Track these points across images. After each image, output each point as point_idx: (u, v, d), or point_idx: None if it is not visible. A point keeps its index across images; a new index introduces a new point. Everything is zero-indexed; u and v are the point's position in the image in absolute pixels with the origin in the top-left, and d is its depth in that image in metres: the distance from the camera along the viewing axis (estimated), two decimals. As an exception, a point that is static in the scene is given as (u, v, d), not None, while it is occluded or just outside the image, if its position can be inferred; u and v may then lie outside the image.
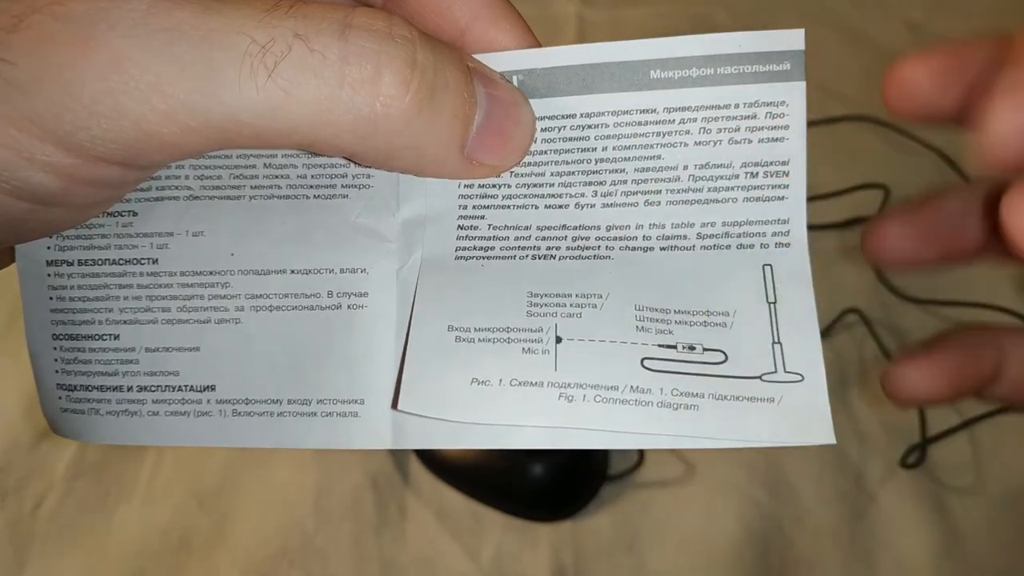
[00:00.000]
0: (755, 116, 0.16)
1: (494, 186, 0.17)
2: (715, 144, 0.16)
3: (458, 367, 0.16)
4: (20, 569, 0.34)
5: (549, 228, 0.17)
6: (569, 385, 0.15)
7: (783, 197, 0.16)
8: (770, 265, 0.16)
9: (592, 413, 0.15)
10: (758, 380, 0.15)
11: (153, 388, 0.17)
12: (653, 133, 0.16)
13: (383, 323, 0.16)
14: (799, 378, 0.15)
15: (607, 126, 0.16)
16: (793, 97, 0.16)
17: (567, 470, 0.34)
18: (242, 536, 0.35)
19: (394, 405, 0.16)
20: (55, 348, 0.17)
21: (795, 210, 0.16)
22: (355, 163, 0.17)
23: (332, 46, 0.13)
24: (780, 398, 0.15)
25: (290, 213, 0.17)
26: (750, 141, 0.16)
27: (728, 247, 0.16)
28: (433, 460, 0.36)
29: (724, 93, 0.16)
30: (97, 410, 0.17)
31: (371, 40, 0.13)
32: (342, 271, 0.16)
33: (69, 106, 0.13)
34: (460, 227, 0.17)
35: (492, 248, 0.17)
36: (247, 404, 0.17)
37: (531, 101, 0.16)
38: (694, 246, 0.16)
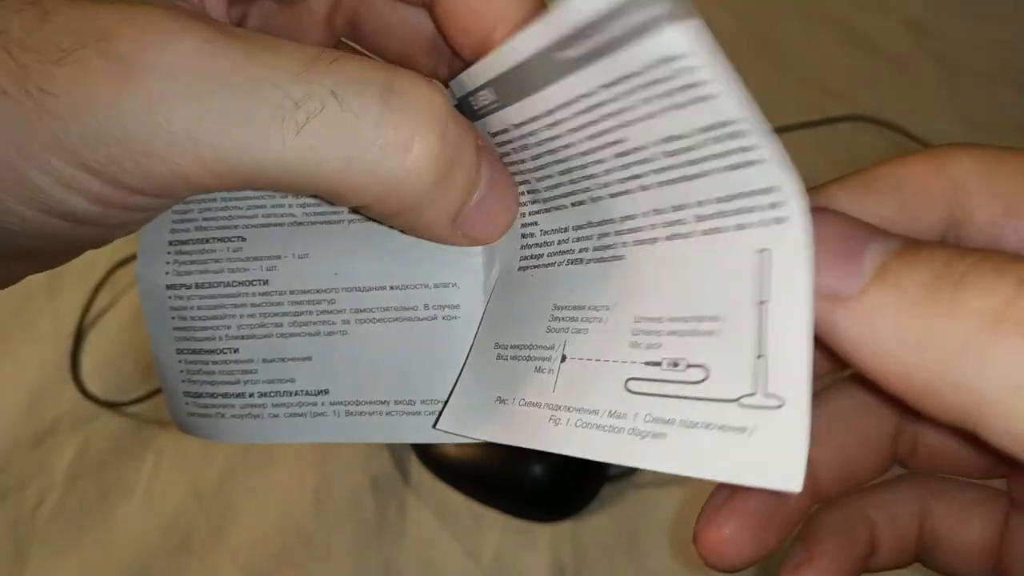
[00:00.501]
0: (664, 79, 0.13)
1: (533, 190, 0.17)
2: (656, 116, 0.13)
3: (490, 386, 0.17)
4: (20, 569, 0.34)
5: (580, 227, 0.16)
6: (559, 408, 0.15)
7: (755, 161, 0.13)
8: (768, 250, 0.13)
9: (570, 438, 0.15)
10: (735, 404, 0.13)
11: (272, 394, 0.18)
12: (603, 117, 0.14)
13: (473, 332, 0.18)
14: (778, 404, 0.12)
15: (567, 119, 0.15)
16: (684, 45, 0.12)
17: (567, 470, 0.35)
18: (242, 536, 0.35)
19: (434, 425, 0.18)
20: (180, 361, 0.19)
21: (779, 174, 0.13)
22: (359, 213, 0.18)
23: (371, 108, 0.14)
24: (753, 428, 0.13)
25: (384, 235, 0.18)
26: (682, 106, 0.13)
27: (726, 228, 0.14)
28: (433, 460, 0.36)
29: (621, 61, 0.13)
30: (222, 414, 0.19)
31: (409, 109, 0.14)
32: (435, 286, 0.18)
33: (104, 141, 0.13)
34: (522, 235, 0.18)
35: (541, 256, 0.17)
36: (358, 405, 0.18)
37: (509, 109, 0.15)
38: (693, 232, 0.14)
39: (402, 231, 0.17)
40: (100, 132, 0.13)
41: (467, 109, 0.16)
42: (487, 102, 0.16)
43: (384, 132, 0.14)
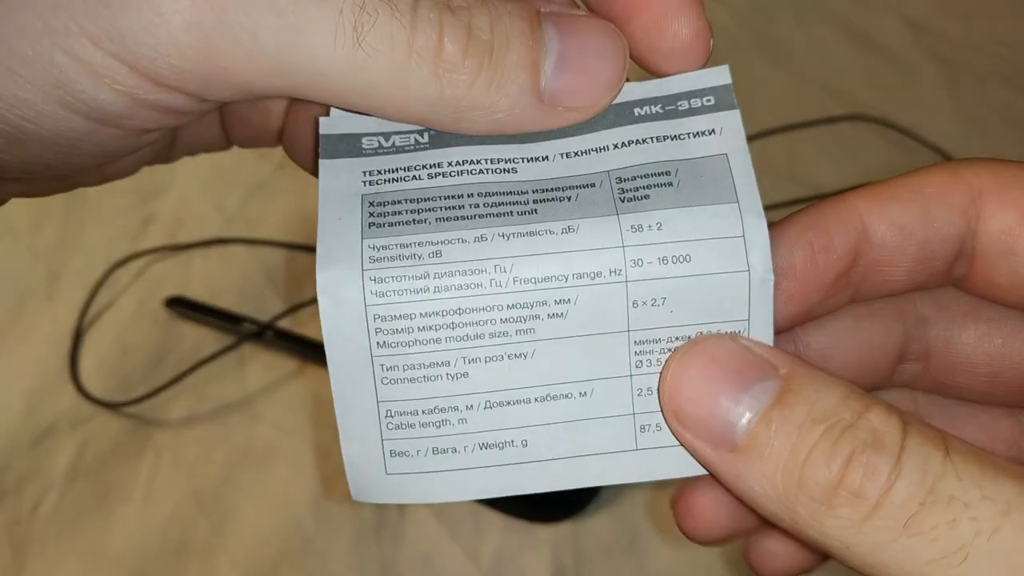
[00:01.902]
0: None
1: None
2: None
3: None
4: (19, 570, 0.34)
5: None
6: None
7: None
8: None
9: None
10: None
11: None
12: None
13: None
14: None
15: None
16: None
17: (567, 470, 0.35)
18: (241, 537, 0.35)
19: None
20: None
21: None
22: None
23: (407, 14, 0.14)
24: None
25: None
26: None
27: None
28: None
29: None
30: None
31: (433, 10, 0.14)
32: None
33: (153, 32, 0.13)
34: None
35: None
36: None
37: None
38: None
39: (501, 134, 0.16)
40: (151, 22, 0.13)
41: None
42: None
43: (417, 37, 0.14)
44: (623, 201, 0.15)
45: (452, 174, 0.15)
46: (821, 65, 0.54)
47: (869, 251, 0.16)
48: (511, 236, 0.15)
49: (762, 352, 0.14)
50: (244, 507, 0.36)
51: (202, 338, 0.41)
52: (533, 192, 0.15)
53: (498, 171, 0.16)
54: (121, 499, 0.36)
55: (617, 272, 0.15)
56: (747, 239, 0.15)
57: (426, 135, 0.16)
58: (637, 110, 0.16)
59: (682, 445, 0.15)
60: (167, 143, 0.19)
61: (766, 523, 0.15)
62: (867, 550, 0.12)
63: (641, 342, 0.15)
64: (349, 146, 0.16)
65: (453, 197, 0.15)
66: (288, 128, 0.19)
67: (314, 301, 0.41)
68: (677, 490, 0.17)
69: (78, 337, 0.42)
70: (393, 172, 0.16)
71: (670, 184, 0.15)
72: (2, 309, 0.43)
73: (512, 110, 0.15)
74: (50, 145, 0.14)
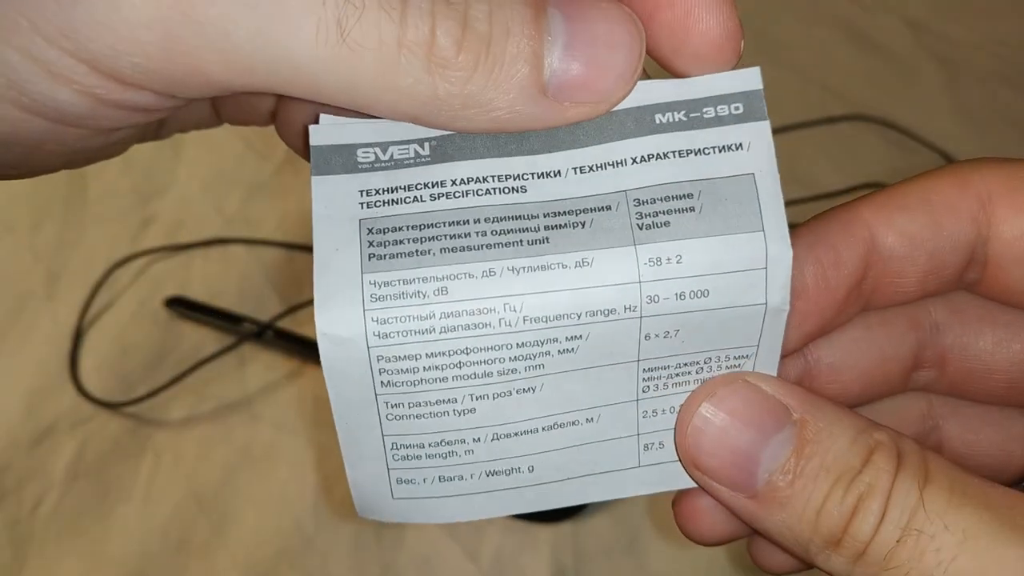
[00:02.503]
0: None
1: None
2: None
3: None
4: (19, 569, 0.34)
5: None
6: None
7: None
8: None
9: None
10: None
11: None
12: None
13: None
14: None
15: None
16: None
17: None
18: (241, 537, 0.35)
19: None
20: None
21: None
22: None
23: (396, 5, 0.12)
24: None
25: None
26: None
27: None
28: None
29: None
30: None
31: (426, 0, 0.13)
32: None
33: (114, 28, 0.12)
34: None
35: None
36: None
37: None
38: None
39: (505, 132, 0.14)
40: (110, 17, 0.12)
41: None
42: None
43: (407, 30, 0.12)
44: (641, 228, 0.14)
45: (457, 195, 0.14)
46: (821, 65, 0.54)
47: (878, 263, 0.15)
48: (521, 271, 0.14)
49: (775, 392, 0.15)
50: (244, 507, 0.36)
51: (202, 338, 0.41)
52: (544, 216, 0.14)
53: (507, 191, 0.14)
54: (121, 499, 0.36)
55: (632, 308, 0.14)
56: (769, 272, 0.14)
57: (427, 147, 0.14)
58: (659, 116, 0.14)
59: (700, 487, 0.16)
60: (156, 122, 0.17)
61: None
62: None
63: (650, 370, 0.15)
64: (344, 160, 0.14)
65: (458, 223, 0.14)
66: (281, 111, 0.17)
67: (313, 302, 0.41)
68: (678, 493, 0.17)
69: (78, 337, 0.42)
70: (393, 192, 0.14)
71: (692, 209, 0.14)
72: (2, 309, 0.43)
73: (513, 107, 0.13)
74: (10, 146, 0.13)
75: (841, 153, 0.48)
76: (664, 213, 0.14)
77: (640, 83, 0.14)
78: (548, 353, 0.14)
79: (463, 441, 0.15)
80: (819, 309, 0.15)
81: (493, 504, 0.16)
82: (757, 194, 0.14)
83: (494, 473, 0.15)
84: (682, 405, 0.15)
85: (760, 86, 0.14)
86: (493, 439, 0.15)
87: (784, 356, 0.15)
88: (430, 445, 0.15)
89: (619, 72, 0.14)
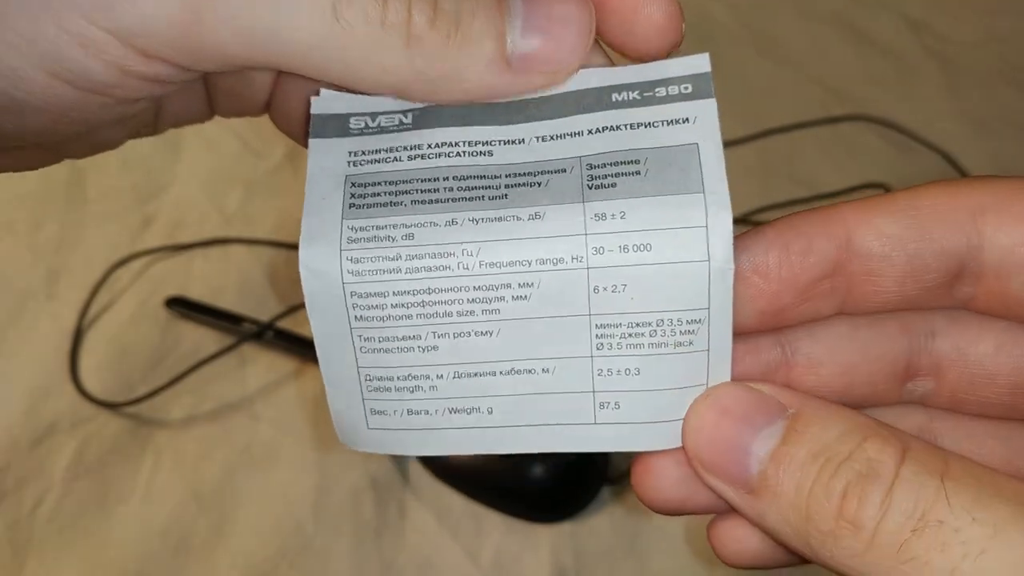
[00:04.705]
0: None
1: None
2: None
3: None
4: (18, 569, 0.34)
5: None
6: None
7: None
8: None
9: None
10: None
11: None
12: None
13: None
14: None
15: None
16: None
17: (567, 472, 0.34)
18: (241, 537, 0.35)
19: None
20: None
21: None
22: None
23: None
24: None
25: None
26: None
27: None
28: (433, 461, 0.36)
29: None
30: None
31: None
32: None
33: (143, 6, 0.14)
34: None
35: None
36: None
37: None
38: None
39: (473, 101, 0.16)
40: (148, 3, 0.14)
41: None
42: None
43: (388, 12, 0.15)
44: (590, 188, 0.15)
45: (431, 156, 0.16)
46: (822, 65, 0.54)
47: (853, 260, 0.16)
48: (480, 221, 0.15)
49: (773, 393, 0.15)
50: (244, 507, 0.36)
51: (202, 338, 0.41)
52: (506, 176, 0.16)
53: (475, 154, 0.16)
54: (121, 499, 0.36)
55: (579, 259, 0.15)
56: (709, 229, 0.15)
57: (410, 115, 0.17)
58: (615, 95, 0.16)
59: (710, 489, 0.16)
60: (152, 114, 0.19)
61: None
62: None
63: (602, 326, 0.16)
64: (338, 126, 0.17)
65: (429, 180, 0.16)
66: (276, 99, 0.19)
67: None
68: (711, 521, 0.18)
69: (78, 337, 0.42)
70: (376, 153, 0.16)
71: (638, 173, 0.15)
72: (2, 309, 0.43)
73: (481, 79, 0.16)
74: (40, 113, 0.15)
75: (841, 153, 0.48)
76: (612, 176, 0.15)
77: (602, 69, 0.16)
78: (503, 298, 0.16)
79: (427, 377, 0.16)
80: (777, 290, 0.16)
81: (455, 441, 0.17)
82: (700, 161, 0.15)
83: (456, 411, 0.17)
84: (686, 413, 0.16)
85: (708, 69, 0.16)
86: (455, 377, 0.16)
87: (740, 333, 0.16)
88: (399, 379, 0.16)
89: (571, 43, 0.16)
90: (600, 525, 0.35)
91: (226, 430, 0.38)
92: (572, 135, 0.16)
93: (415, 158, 0.16)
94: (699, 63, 0.16)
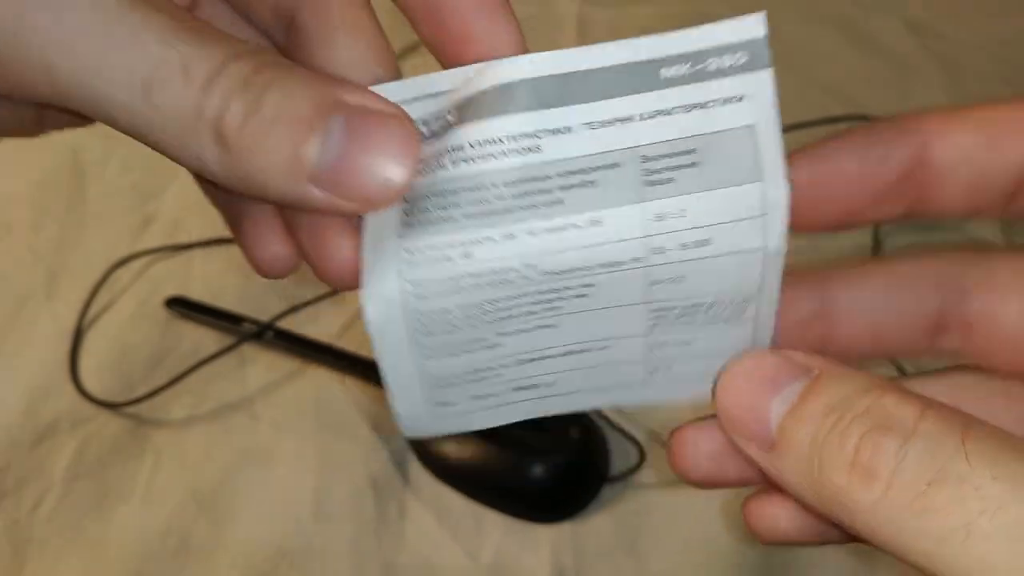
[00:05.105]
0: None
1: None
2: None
3: None
4: (19, 569, 0.34)
5: None
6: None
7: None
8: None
9: None
10: None
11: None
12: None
13: None
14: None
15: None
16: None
17: (567, 471, 0.35)
18: (241, 536, 0.35)
19: None
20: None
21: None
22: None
23: (198, 76, 0.14)
24: None
25: None
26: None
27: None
28: (433, 461, 0.36)
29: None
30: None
31: (231, 79, 0.14)
32: None
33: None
34: None
35: None
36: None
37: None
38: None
39: (252, 197, 0.15)
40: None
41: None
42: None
43: (204, 105, 0.14)
44: (647, 185, 0.15)
45: (475, 159, 0.15)
46: (822, 66, 0.54)
47: (926, 168, 0.16)
48: (539, 233, 0.15)
49: (800, 359, 0.15)
50: (244, 507, 0.36)
51: (202, 338, 0.41)
52: (558, 176, 0.15)
53: (522, 151, 0.15)
54: (121, 499, 0.36)
55: (639, 260, 0.15)
56: (766, 218, 0.15)
57: (455, 112, 0.16)
58: (664, 71, 0.15)
59: (737, 450, 0.16)
60: None
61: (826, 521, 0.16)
62: (887, 531, 0.13)
63: (657, 310, 0.16)
64: None
65: (478, 189, 0.15)
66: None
67: (314, 302, 0.41)
68: (746, 498, 0.18)
69: (78, 337, 0.42)
70: (424, 162, 0.16)
71: (694, 164, 0.15)
72: (2, 309, 0.43)
73: (281, 192, 0.14)
74: None
75: (841, 153, 0.48)
76: (668, 170, 0.15)
77: (650, 38, 0.15)
78: (563, 298, 0.16)
79: (491, 368, 0.17)
80: (855, 193, 0.17)
81: (518, 411, 0.18)
82: (756, 145, 0.15)
83: (520, 388, 0.18)
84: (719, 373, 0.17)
85: (764, 33, 0.15)
86: (518, 364, 0.17)
87: (816, 229, 0.17)
88: (464, 374, 0.17)
89: (375, 191, 0.14)
90: (600, 525, 0.35)
91: (226, 430, 0.38)
92: (621, 121, 0.15)
93: (458, 162, 0.15)
94: (754, 27, 0.15)
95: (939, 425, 0.13)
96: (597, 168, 0.15)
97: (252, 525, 0.35)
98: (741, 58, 0.15)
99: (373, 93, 0.15)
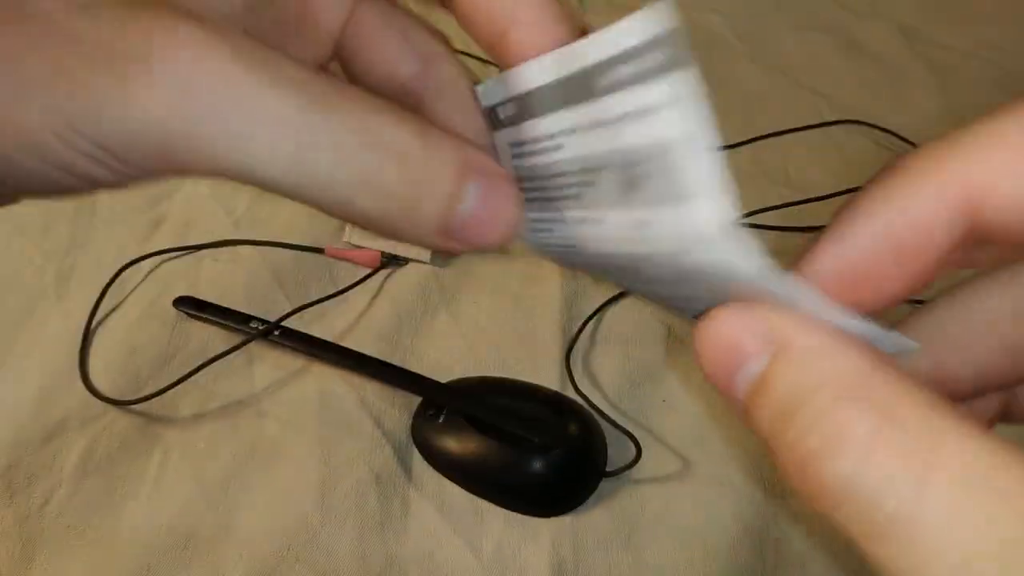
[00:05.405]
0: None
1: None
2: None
3: None
4: (28, 565, 0.35)
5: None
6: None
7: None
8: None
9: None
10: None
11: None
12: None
13: None
14: None
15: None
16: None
17: (566, 467, 0.35)
18: (248, 532, 0.35)
19: None
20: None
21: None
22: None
23: (348, 140, 0.15)
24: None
25: None
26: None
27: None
28: (435, 456, 0.37)
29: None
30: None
31: (377, 137, 0.15)
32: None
33: (135, 136, 0.14)
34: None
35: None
36: None
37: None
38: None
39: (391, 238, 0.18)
40: (132, 130, 0.14)
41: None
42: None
43: (352, 159, 0.15)
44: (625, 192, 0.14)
45: (537, 152, 0.17)
46: (815, 71, 0.55)
47: (979, 214, 0.13)
48: (576, 222, 0.17)
49: (761, 326, 0.14)
50: (251, 503, 0.36)
51: (210, 337, 0.42)
52: (578, 172, 0.16)
53: (554, 148, 0.16)
54: (130, 495, 0.36)
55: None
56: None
57: (513, 104, 0.17)
58: (594, 80, 0.14)
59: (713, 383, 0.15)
60: None
61: None
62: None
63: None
64: (493, 118, 0.18)
65: (546, 177, 0.17)
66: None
67: (320, 301, 0.42)
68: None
69: (88, 336, 0.42)
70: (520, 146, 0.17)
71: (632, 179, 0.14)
72: (13, 309, 0.44)
73: (408, 238, 0.16)
74: (48, 186, 0.15)
75: (834, 157, 0.49)
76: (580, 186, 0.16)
77: (560, 50, 0.14)
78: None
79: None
80: (901, 280, 0.15)
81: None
82: (680, 160, 0.13)
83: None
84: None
85: (667, 28, 0.12)
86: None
87: (872, 310, 0.15)
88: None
89: (496, 237, 0.17)
90: (599, 518, 0.35)
91: (234, 427, 0.38)
92: (570, 132, 0.15)
93: (523, 155, 0.17)
94: (654, 25, 0.12)
95: (896, 452, 0.11)
96: (592, 170, 0.15)
97: (259, 519, 0.36)
98: (659, 57, 0.12)
99: (488, 157, 0.17)
